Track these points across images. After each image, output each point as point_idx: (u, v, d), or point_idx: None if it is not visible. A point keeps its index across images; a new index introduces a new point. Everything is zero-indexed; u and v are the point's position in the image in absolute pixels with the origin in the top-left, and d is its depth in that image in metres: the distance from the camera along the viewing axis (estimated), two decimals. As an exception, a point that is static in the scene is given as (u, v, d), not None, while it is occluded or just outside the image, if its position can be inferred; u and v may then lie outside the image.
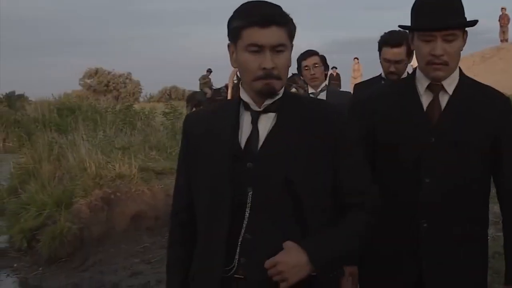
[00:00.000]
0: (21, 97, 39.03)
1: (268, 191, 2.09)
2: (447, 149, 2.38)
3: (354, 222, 2.17)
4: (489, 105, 2.44)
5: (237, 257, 2.10)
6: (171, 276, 2.36)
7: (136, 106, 21.06)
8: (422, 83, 2.46)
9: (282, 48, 2.07)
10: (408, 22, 2.48)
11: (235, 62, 2.15)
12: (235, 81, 13.19)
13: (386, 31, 4.27)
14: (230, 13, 2.14)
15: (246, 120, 2.18)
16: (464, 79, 2.49)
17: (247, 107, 2.17)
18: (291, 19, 2.12)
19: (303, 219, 2.09)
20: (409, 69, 4.02)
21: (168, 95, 50.06)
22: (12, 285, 7.77)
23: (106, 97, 34.48)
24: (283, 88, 2.17)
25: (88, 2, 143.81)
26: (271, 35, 2.04)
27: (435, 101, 2.43)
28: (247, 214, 2.10)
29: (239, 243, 2.09)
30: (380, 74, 4.48)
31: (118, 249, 7.94)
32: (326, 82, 5.48)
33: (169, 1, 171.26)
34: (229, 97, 13.63)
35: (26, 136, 12.88)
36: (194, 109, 24.34)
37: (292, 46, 2.15)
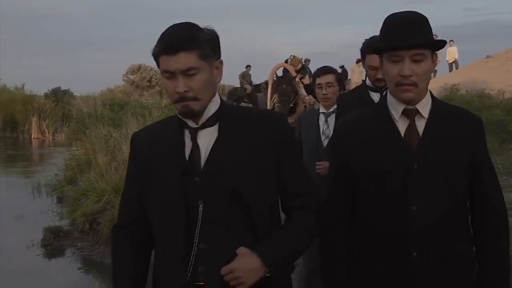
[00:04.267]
0: (67, 92, 39.99)
1: (217, 202, 2.15)
2: (430, 174, 2.31)
3: (301, 222, 2.26)
4: (464, 127, 2.38)
5: (191, 266, 2.15)
6: (119, 282, 2.34)
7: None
8: (396, 109, 2.38)
9: (193, 71, 2.10)
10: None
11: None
12: (275, 78, 13.79)
13: (367, 38, 4.11)
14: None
15: (187, 137, 2.23)
16: (436, 102, 2.42)
17: (185, 125, 2.23)
18: (207, 39, 2.15)
19: (254, 225, 2.17)
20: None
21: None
22: (78, 261, 8.58)
23: (149, 93, 35.17)
24: (216, 103, 2.23)
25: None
26: (179, 61, 2.09)
27: (412, 127, 2.36)
28: (199, 226, 2.15)
29: (195, 253, 2.15)
30: (364, 83, 4.34)
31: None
32: None
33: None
34: (269, 93, 14.15)
35: (84, 129, 13.66)
36: (234, 104, 25.07)
37: (215, 62, 2.19)
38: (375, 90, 4.11)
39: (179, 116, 2.24)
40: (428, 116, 2.37)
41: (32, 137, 30.78)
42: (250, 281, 2.08)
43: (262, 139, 2.20)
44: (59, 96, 36.58)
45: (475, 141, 2.39)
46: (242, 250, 2.10)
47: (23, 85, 36.43)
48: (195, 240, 2.15)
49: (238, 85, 26.02)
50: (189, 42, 2.09)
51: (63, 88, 40.23)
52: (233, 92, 25.57)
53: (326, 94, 4.76)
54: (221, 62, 2.23)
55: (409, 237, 2.31)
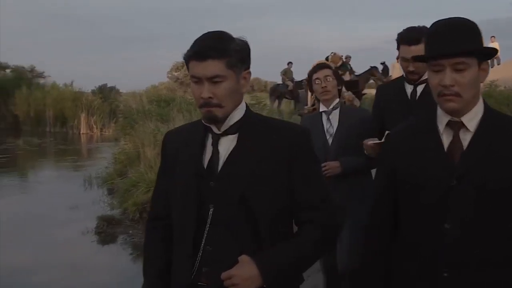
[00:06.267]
0: (113, 89, 40.75)
1: (226, 207, 2.21)
2: (470, 192, 2.14)
3: (307, 236, 2.25)
4: None
5: (196, 266, 2.24)
6: (148, 271, 2.44)
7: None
8: (441, 121, 2.24)
9: (219, 79, 2.15)
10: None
11: None
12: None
13: (405, 28, 3.87)
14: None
15: (209, 142, 2.30)
16: (489, 114, 2.22)
17: (209, 130, 2.29)
18: (237, 49, 2.19)
19: (259, 232, 2.20)
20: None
21: (250, 86, 50.46)
22: (130, 247, 9.08)
23: (193, 89, 35.55)
24: (241, 111, 2.29)
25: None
26: (206, 68, 2.14)
27: (456, 140, 2.20)
28: (207, 228, 2.23)
29: (201, 253, 2.23)
30: (403, 75, 4.09)
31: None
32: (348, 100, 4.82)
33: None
34: (309, 90, 14.58)
35: (134, 123, 14.16)
36: (276, 100, 25.43)
37: (243, 72, 2.23)
38: (409, 82, 3.98)
39: (203, 121, 2.30)
40: (476, 130, 2.20)
41: (81, 132, 31.48)
42: None
43: (278, 150, 2.23)
44: (105, 92, 37.23)
45: None
46: (243, 258, 2.15)
47: (72, 82, 37.31)
48: (202, 242, 2.24)
49: (280, 82, 26.39)
50: (217, 50, 2.14)
51: (109, 85, 41.08)
52: (275, 89, 26.00)
53: (325, 86, 4.57)
54: (249, 72, 2.27)
55: (440, 257, 2.19)
